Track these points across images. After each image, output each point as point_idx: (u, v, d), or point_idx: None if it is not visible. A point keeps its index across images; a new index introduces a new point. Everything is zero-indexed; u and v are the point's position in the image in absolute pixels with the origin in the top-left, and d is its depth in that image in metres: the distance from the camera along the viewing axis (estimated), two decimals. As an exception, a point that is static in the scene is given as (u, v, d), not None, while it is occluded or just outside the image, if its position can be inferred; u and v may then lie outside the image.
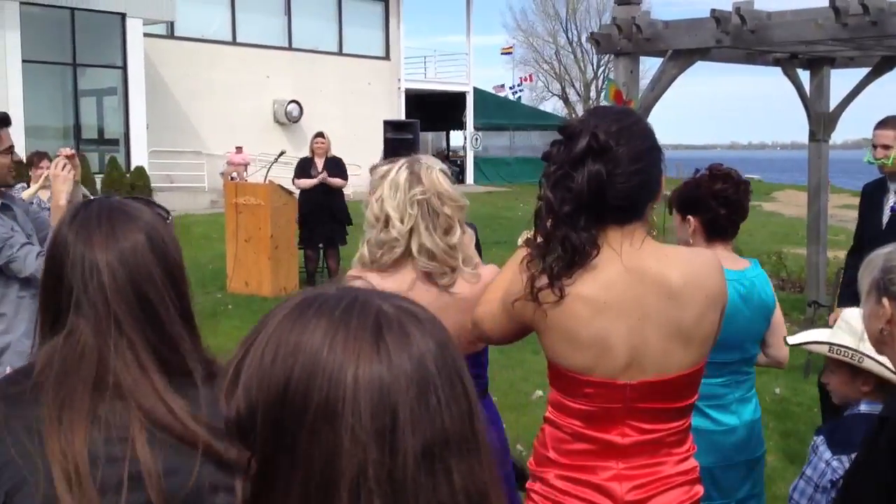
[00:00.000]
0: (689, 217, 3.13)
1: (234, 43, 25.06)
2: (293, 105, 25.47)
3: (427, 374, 0.87)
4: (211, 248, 14.72)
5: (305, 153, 11.26)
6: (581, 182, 1.99)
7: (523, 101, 44.42)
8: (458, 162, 33.11)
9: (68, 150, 3.83)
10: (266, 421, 0.87)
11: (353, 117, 25.69)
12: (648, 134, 2.12)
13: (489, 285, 2.38)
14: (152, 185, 20.29)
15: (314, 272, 11.18)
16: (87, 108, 21.03)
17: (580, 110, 58.70)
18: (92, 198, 1.70)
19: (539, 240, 2.10)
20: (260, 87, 24.94)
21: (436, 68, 33.00)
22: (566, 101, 59.75)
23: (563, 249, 2.03)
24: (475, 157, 31.54)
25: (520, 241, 2.29)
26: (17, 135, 18.22)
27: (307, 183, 10.66)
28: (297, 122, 25.39)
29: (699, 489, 2.23)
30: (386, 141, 10.90)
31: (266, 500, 0.89)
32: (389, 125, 11.00)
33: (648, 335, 2.07)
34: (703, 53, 7.89)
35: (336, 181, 10.73)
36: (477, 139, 30.90)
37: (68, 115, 20.41)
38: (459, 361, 0.92)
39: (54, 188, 3.70)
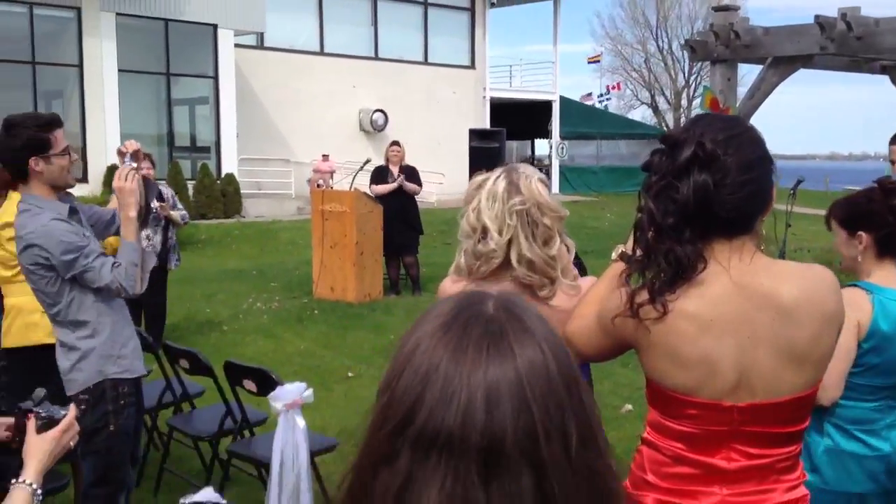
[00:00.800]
0: (861, 233, 2.96)
1: (321, 53, 25.41)
2: (378, 114, 25.67)
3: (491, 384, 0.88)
4: (298, 254, 14.92)
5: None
6: (686, 193, 1.89)
7: (611, 109, 43.96)
8: (544, 170, 32.85)
9: (133, 144, 3.63)
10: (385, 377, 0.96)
11: (437, 126, 25.78)
12: (759, 143, 1.99)
13: (581, 299, 2.28)
14: (242, 191, 20.70)
15: (397, 279, 11.21)
16: (179, 116, 21.60)
17: (670, 119, 57.88)
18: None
19: (639, 253, 1.99)
20: (346, 95, 25.22)
21: (521, 77, 32.88)
22: (655, 109, 58.98)
23: (667, 263, 1.92)
24: (561, 166, 31.28)
25: (614, 255, 2.18)
26: (112, 141, 18.74)
27: (384, 188, 10.72)
28: (382, 130, 25.57)
29: (810, 518, 2.09)
30: (471, 150, 10.90)
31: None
32: (475, 134, 10.98)
33: (759, 355, 1.93)
34: (805, 60, 7.62)
35: (412, 187, 10.77)
36: (563, 148, 30.64)
37: (162, 123, 20.98)
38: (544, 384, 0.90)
39: (122, 201, 3.57)
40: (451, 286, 2.66)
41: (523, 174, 2.57)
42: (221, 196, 20.07)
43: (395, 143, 11.01)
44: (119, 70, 19.21)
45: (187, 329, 9.27)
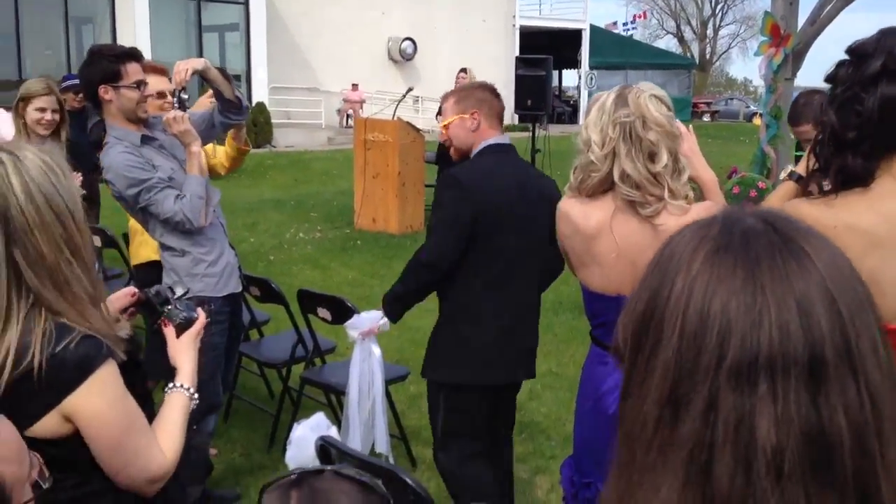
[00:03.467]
0: None
1: (350, -23, 24.97)
2: (407, 42, 25.29)
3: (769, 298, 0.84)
4: (333, 184, 14.85)
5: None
6: (871, 104, 1.83)
7: (636, 38, 43.24)
8: (571, 102, 32.47)
9: (181, 73, 3.56)
10: (630, 332, 0.91)
11: (466, 55, 25.36)
12: None
13: None
14: (272, 121, 20.57)
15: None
16: (209, 43, 21.36)
17: (695, 49, 56.78)
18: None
19: (815, 165, 1.94)
20: (375, 23, 24.83)
21: (551, 4, 32.26)
22: (681, 39, 57.91)
23: (842, 176, 1.88)
24: (590, 97, 30.87)
25: (782, 175, 2.12)
26: (147, 68, 18.19)
27: None
28: (410, 59, 25.22)
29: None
30: (517, 78, 10.74)
31: (624, 408, 0.92)
32: (521, 62, 10.80)
33: None
34: (870, -15, 7.39)
35: None
36: (592, 78, 30.19)
37: (192, 50, 20.74)
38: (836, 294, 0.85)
39: (182, 141, 3.65)
40: (566, 203, 2.69)
41: (636, 88, 2.55)
42: (253, 125, 19.93)
43: (464, 70, 10.73)
44: (150, -5, 18.99)
45: (233, 258, 9.26)
